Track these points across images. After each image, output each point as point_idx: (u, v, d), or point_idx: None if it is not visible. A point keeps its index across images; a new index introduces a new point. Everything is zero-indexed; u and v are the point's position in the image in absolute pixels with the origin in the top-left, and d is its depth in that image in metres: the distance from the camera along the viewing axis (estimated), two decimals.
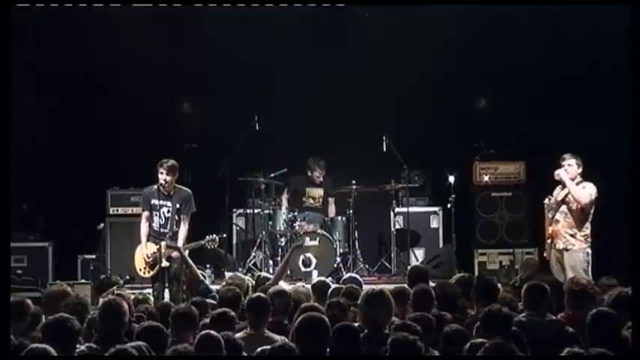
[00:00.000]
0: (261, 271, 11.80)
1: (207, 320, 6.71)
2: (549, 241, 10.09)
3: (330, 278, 10.43)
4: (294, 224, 12.22)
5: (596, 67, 12.15)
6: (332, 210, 12.74)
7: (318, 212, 12.60)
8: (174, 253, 10.05)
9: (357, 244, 12.38)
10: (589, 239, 9.96)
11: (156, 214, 10.14)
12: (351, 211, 12.36)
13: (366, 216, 12.85)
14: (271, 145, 12.71)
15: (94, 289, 9.83)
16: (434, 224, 12.86)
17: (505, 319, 6.13)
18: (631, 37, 8.21)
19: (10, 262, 9.83)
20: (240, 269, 12.16)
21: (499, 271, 12.23)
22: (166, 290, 9.88)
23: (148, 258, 10.13)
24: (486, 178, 12.71)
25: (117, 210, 12.41)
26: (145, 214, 10.26)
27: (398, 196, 12.76)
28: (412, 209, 12.63)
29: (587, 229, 9.98)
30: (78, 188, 12.64)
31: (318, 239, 12.11)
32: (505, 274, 12.04)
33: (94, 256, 12.17)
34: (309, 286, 8.35)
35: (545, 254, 10.34)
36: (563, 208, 10.01)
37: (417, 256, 12.69)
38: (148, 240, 10.21)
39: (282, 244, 12.18)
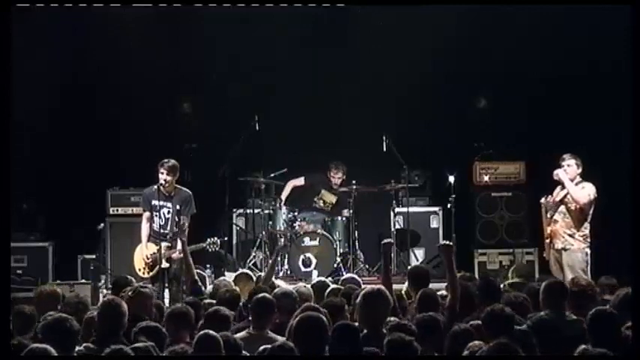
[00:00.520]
0: (261, 271, 11.80)
1: (203, 320, 6.69)
2: (548, 241, 10.10)
3: (330, 278, 10.44)
4: (294, 224, 12.22)
5: (596, 67, 12.15)
6: (344, 213, 12.69)
7: (320, 213, 12.59)
8: (175, 254, 10.05)
9: (357, 244, 12.38)
10: (588, 239, 9.97)
11: (156, 215, 10.14)
12: (351, 211, 12.36)
13: (366, 216, 12.85)
14: (271, 145, 12.70)
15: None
16: (434, 224, 12.86)
17: (508, 319, 6.11)
18: (631, 37, 8.21)
19: (10, 262, 9.82)
20: (240, 269, 12.17)
21: (499, 271, 12.23)
22: (166, 290, 9.88)
23: (148, 259, 10.13)
24: (486, 178, 12.71)
25: (117, 210, 12.41)
26: (146, 214, 10.26)
27: (398, 196, 12.76)
28: (412, 209, 12.62)
29: (586, 229, 9.99)
30: (78, 188, 12.65)
31: (318, 239, 12.11)
32: (505, 274, 12.04)
33: (94, 256, 12.15)
34: (310, 286, 8.34)
35: (544, 254, 10.36)
36: (562, 208, 10.02)
37: (417, 256, 12.68)
38: (148, 240, 10.21)
39: (283, 244, 12.17)
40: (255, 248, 12.37)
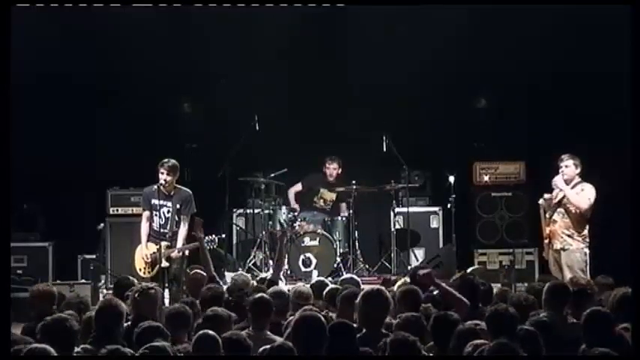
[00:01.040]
0: (261, 271, 11.82)
1: (201, 320, 6.68)
2: (547, 241, 10.10)
3: (330, 278, 10.44)
4: (294, 224, 12.22)
5: (596, 67, 12.14)
6: (344, 210, 12.69)
7: (321, 213, 12.59)
8: (174, 254, 10.05)
9: (357, 244, 12.39)
10: (587, 239, 9.97)
11: (156, 214, 10.15)
12: (351, 211, 12.36)
13: (366, 216, 12.86)
14: (271, 145, 12.70)
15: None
16: (434, 224, 12.86)
17: (511, 319, 6.10)
18: (631, 37, 8.21)
19: (10, 262, 9.82)
20: (240, 269, 12.18)
21: (499, 271, 12.22)
22: (166, 290, 9.87)
23: (148, 258, 10.13)
24: (486, 178, 12.71)
25: (117, 210, 12.41)
26: (146, 214, 10.27)
27: (398, 196, 12.76)
28: (412, 209, 12.62)
29: (585, 229, 9.98)
30: (78, 188, 12.65)
31: (318, 239, 12.11)
32: (505, 274, 12.04)
33: (94, 256, 12.16)
34: (309, 286, 8.35)
35: (543, 254, 10.36)
36: (561, 208, 10.01)
37: (417, 256, 12.68)
38: (148, 240, 10.21)
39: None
40: (255, 248, 12.37)
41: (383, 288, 6.76)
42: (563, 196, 9.98)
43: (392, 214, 12.68)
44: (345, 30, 12.80)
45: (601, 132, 12.11)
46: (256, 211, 12.51)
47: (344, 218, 12.45)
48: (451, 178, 12.17)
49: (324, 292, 7.94)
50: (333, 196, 12.69)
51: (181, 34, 12.62)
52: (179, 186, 10.27)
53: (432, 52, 12.37)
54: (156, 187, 10.08)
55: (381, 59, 12.75)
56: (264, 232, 12.29)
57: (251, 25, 12.58)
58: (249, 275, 9.25)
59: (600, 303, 7.20)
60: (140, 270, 10.22)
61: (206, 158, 12.61)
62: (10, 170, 6.94)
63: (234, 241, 12.85)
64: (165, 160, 10.11)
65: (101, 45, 12.53)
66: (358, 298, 6.64)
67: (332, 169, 12.62)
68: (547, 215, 10.11)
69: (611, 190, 10.53)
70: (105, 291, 11.66)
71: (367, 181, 12.51)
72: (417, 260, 12.55)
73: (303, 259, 11.95)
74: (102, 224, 12.11)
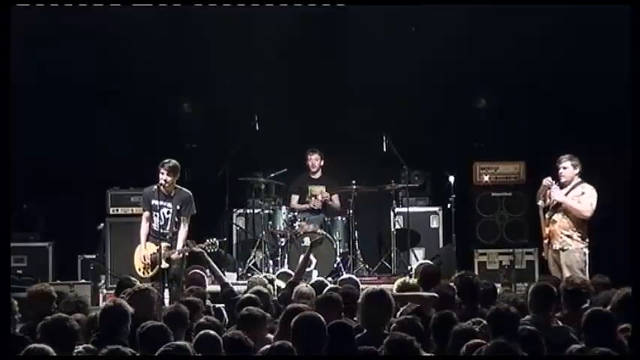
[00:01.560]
0: (261, 271, 11.81)
1: (203, 320, 6.67)
2: (546, 241, 10.09)
3: (329, 278, 10.44)
4: (294, 224, 12.22)
5: (596, 67, 12.14)
6: (336, 202, 12.66)
7: (319, 214, 12.58)
8: (174, 255, 10.05)
9: (357, 244, 12.38)
10: (586, 239, 9.96)
11: (156, 215, 10.13)
12: (351, 211, 12.36)
13: (366, 216, 12.86)
14: (271, 145, 12.70)
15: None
16: (434, 224, 12.86)
17: (512, 319, 6.10)
18: (631, 37, 8.21)
19: (10, 262, 9.82)
20: (240, 269, 12.18)
21: (499, 271, 12.23)
22: (166, 291, 9.87)
23: (148, 259, 10.13)
24: (486, 178, 12.71)
25: (117, 210, 12.39)
26: (146, 214, 10.26)
27: (398, 196, 12.76)
28: (412, 209, 12.62)
29: (585, 229, 9.97)
30: (78, 188, 12.65)
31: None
32: (505, 274, 12.05)
33: (94, 256, 12.18)
34: (310, 285, 8.35)
35: (543, 254, 10.36)
36: (561, 208, 10.00)
37: (417, 256, 12.67)
38: (147, 240, 10.21)
39: (282, 244, 12.18)
40: (255, 248, 12.36)
41: (385, 288, 6.76)
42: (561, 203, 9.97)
43: (392, 214, 12.67)
44: (345, 30, 12.80)
45: (601, 132, 12.11)
46: (256, 211, 12.51)
47: (344, 218, 12.44)
48: (451, 178, 12.17)
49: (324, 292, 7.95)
50: (323, 188, 12.66)
51: (181, 34, 12.62)
52: (179, 187, 10.26)
53: (432, 52, 12.37)
54: (156, 187, 10.07)
55: (381, 59, 12.75)
56: (264, 232, 12.29)
57: (251, 25, 12.58)
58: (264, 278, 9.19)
59: (597, 302, 7.21)
60: (140, 270, 10.21)
61: (206, 158, 12.62)
62: (10, 170, 6.94)
63: (234, 241, 12.85)
64: (166, 160, 10.10)
65: (101, 45, 12.53)
66: (360, 299, 6.64)
67: (314, 159, 12.58)
68: (546, 216, 10.10)
69: (611, 190, 10.52)
70: (105, 291, 11.68)
71: (367, 181, 12.51)
72: (417, 260, 12.55)
73: None
74: (102, 224, 12.12)
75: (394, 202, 12.70)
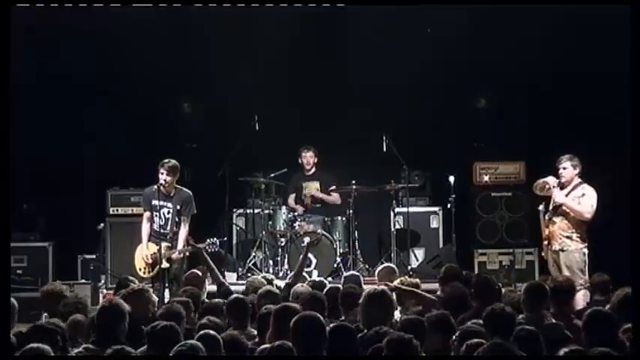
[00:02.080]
0: (261, 271, 11.81)
1: (205, 320, 6.68)
2: (546, 242, 10.09)
3: (329, 278, 10.43)
4: (294, 224, 12.22)
5: (596, 67, 12.14)
6: (334, 196, 12.65)
7: (318, 214, 12.57)
8: (175, 254, 10.06)
9: (357, 244, 12.37)
10: (586, 239, 9.95)
11: (156, 215, 10.15)
12: (351, 211, 12.35)
13: (366, 216, 12.85)
14: (271, 145, 12.70)
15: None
16: (434, 224, 12.85)
17: (508, 319, 6.11)
18: (631, 37, 8.21)
19: (10, 262, 9.82)
20: (239, 269, 12.18)
21: (499, 271, 12.23)
22: (166, 291, 9.88)
23: (148, 259, 10.14)
24: (486, 178, 12.71)
25: (117, 210, 12.39)
26: (146, 214, 10.27)
27: (398, 196, 12.75)
28: (412, 209, 12.61)
29: (584, 230, 9.97)
30: (78, 188, 12.65)
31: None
32: (505, 274, 12.05)
33: (94, 256, 12.18)
34: (307, 286, 8.34)
35: (542, 254, 10.37)
36: (561, 210, 10.00)
37: (417, 256, 12.68)
38: (148, 240, 10.22)
39: (282, 244, 12.18)
40: (255, 248, 12.36)
41: (386, 289, 6.76)
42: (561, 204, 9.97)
43: (392, 214, 12.67)
44: (345, 30, 12.80)
45: (601, 132, 12.11)
46: (256, 211, 12.51)
47: (344, 218, 12.44)
48: (451, 178, 12.17)
49: (325, 292, 7.95)
50: (317, 184, 12.67)
51: (181, 34, 12.62)
52: (179, 186, 10.27)
53: (433, 51, 12.37)
54: (156, 187, 10.08)
55: (381, 59, 12.75)
56: (264, 232, 12.28)
57: (251, 25, 12.58)
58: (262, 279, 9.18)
59: (597, 303, 7.22)
60: (140, 270, 10.22)
61: (206, 158, 12.62)
62: (10, 170, 6.94)
63: (234, 241, 12.85)
64: (166, 160, 10.11)
65: (101, 45, 12.53)
66: (361, 299, 6.65)
67: (308, 157, 12.58)
68: (546, 217, 10.10)
69: (611, 190, 10.52)
70: (105, 291, 11.67)
71: (367, 181, 12.50)
72: (417, 260, 12.56)
73: None
74: (102, 224, 12.12)
75: (394, 202, 12.69)
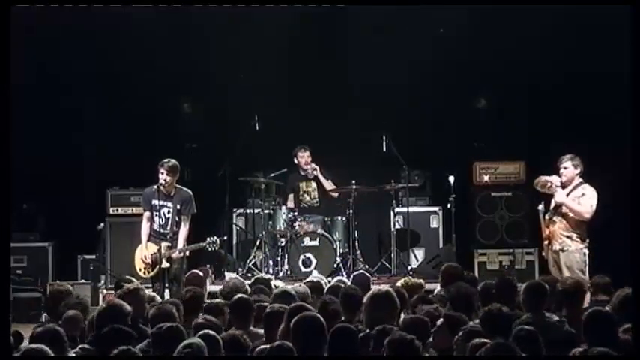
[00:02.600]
0: (260, 271, 11.82)
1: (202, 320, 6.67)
2: (546, 242, 10.09)
3: (329, 278, 10.43)
4: (294, 224, 12.22)
5: (596, 67, 12.14)
6: (333, 190, 12.63)
7: (316, 214, 12.57)
8: (175, 254, 10.06)
9: (357, 244, 12.37)
10: (586, 239, 9.95)
11: (156, 215, 10.14)
12: (351, 211, 12.35)
13: (366, 216, 12.85)
14: (271, 145, 12.69)
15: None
16: (434, 224, 12.86)
17: (506, 319, 6.10)
18: (631, 37, 8.21)
19: (10, 262, 9.82)
20: (240, 269, 12.18)
21: (499, 271, 12.22)
22: (166, 290, 9.89)
23: (148, 258, 10.13)
24: (486, 178, 12.71)
25: (117, 210, 12.39)
26: (147, 214, 10.27)
27: (398, 196, 12.76)
28: (412, 209, 12.62)
29: (584, 230, 9.96)
30: (78, 188, 12.65)
31: (318, 239, 12.11)
32: (505, 274, 12.03)
33: (94, 256, 12.18)
34: (306, 286, 8.33)
35: (543, 254, 10.37)
36: (561, 210, 10.00)
37: (417, 256, 12.68)
38: (148, 240, 10.22)
39: (282, 244, 12.19)
40: (255, 248, 12.36)
41: (390, 289, 6.75)
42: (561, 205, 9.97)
43: (392, 214, 12.68)
44: (345, 30, 12.80)
45: (601, 132, 12.11)
46: (256, 211, 12.50)
47: (344, 218, 12.44)
48: (451, 178, 12.17)
49: (327, 289, 7.94)
50: (314, 184, 12.66)
51: (181, 34, 12.61)
52: (179, 186, 10.27)
53: (432, 51, 12.37)
54: (156, 187, 10.08)
55: (381, 59, 12.74)
56: (264, 232, 12.29)
57: (251, 25, 12.58)
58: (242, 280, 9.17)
59: (597, 303, 7.21)
60: (140, 270, 10.23)
61: (206, 158, 12.62)
62: (10, 170, 6.94)
63: (234, 241, 12.86)
64: (166, 160, 10.11)
65: (101, 45, 12.53)
66: (365, 299, 6.65)
67: (306, 157, 12.58)
68: (546, 217, 10.10)
69: (611, 190, 10.52)
70: (105, 291, 11.68)
71: (367, 181, 12.50)
72: (417, 260, 12.56)
73: (303, 259, 11.95)
74: (102, 224, 12.12)
75: (394, 202, 12.70)
